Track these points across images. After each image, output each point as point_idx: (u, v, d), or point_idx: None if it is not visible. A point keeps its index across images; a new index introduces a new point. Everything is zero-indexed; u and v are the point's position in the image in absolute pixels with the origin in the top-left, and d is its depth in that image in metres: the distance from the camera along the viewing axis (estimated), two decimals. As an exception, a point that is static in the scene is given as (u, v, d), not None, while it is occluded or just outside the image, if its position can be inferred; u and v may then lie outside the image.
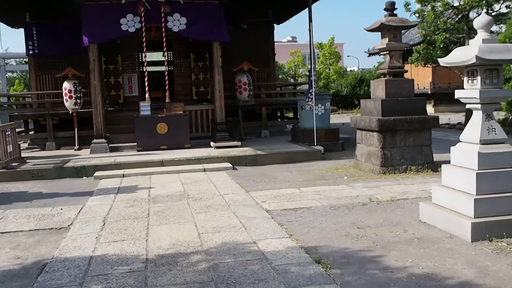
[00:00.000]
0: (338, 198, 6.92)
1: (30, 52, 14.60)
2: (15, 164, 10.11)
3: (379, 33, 9.37)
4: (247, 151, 11.04)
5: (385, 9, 9.32)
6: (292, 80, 35.17)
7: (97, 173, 9.60)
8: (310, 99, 11.74)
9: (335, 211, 6.25)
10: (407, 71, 9.59)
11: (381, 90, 9.15)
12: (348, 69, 44.26)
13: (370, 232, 5.28)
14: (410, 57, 19.75)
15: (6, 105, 14.49)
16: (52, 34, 14.21)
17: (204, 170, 9.78)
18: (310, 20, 12.17)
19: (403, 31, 9.75)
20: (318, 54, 34.90)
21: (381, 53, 9.66)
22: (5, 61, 30.80)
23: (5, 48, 64.36)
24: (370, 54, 34.39)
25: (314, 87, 11.86)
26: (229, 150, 11.24)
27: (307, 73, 36.71)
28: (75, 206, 7.04)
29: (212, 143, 11.84)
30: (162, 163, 10.17)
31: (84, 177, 9.70)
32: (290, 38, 65.95)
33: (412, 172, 8.80)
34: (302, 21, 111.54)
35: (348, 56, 65.03)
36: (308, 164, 10.32)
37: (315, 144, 11.65)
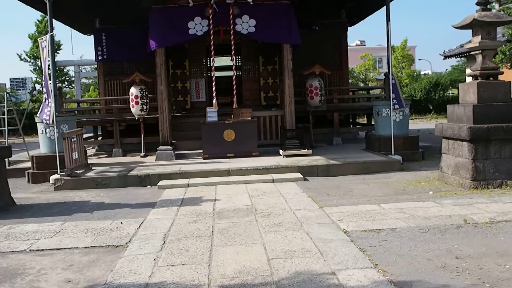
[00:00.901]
0: (427, 218, 6.03)
1: (99, 58, 14.57)
2: (80, 171, 9.92)
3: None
4: (318, 160, 10.27)
5: (477, 3, 8.29)
6: (362, 85, 33.94)
7: (161, 182, 9.20)
8: (396, 105, 10.88)
9: (424, 235, 5.38)
10: (502, 73, 8.49)
11: (472, 95, 8.13)
12: (422, 73, 42.37)
13: (472, 264, 4.40)
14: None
15: (76, 111, 14.53)
16: (120, 39, 14.11)
17: (273, 180, 9.13)
18: (388, 19, 11.26)
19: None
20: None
21: (472, 52, 8.63)
22: (80, 68, 31.68)
23: (79, 55, 67.48)
24: (446, 57, 32.56)
25: (391, 90, 10.92)
26: (299, 158, 10.52)
27: (379, 77, 35.37)
28: (135, 219, 6.59)
29: (281, 151, 11.16)
30: (228, 173, 9.63)
31: (148, 186, 9.33)
32: (358, 42, 64.87)
33: (508, 188, 7.69)
34: (370, 25, 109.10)
35: (419, 59, 62.45)
36: (386, 175, 9.42)
37: (393, 153, 10.69)
